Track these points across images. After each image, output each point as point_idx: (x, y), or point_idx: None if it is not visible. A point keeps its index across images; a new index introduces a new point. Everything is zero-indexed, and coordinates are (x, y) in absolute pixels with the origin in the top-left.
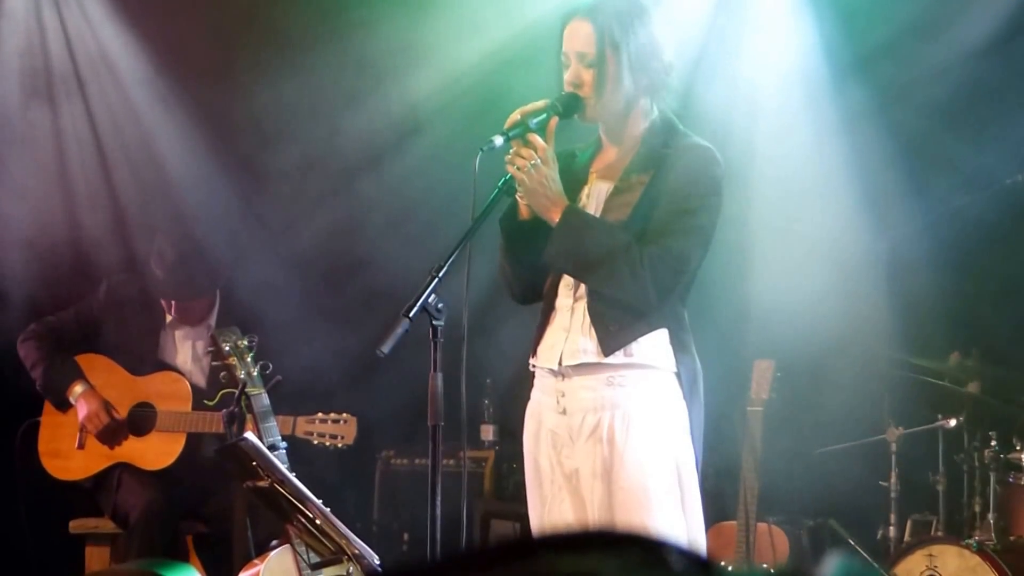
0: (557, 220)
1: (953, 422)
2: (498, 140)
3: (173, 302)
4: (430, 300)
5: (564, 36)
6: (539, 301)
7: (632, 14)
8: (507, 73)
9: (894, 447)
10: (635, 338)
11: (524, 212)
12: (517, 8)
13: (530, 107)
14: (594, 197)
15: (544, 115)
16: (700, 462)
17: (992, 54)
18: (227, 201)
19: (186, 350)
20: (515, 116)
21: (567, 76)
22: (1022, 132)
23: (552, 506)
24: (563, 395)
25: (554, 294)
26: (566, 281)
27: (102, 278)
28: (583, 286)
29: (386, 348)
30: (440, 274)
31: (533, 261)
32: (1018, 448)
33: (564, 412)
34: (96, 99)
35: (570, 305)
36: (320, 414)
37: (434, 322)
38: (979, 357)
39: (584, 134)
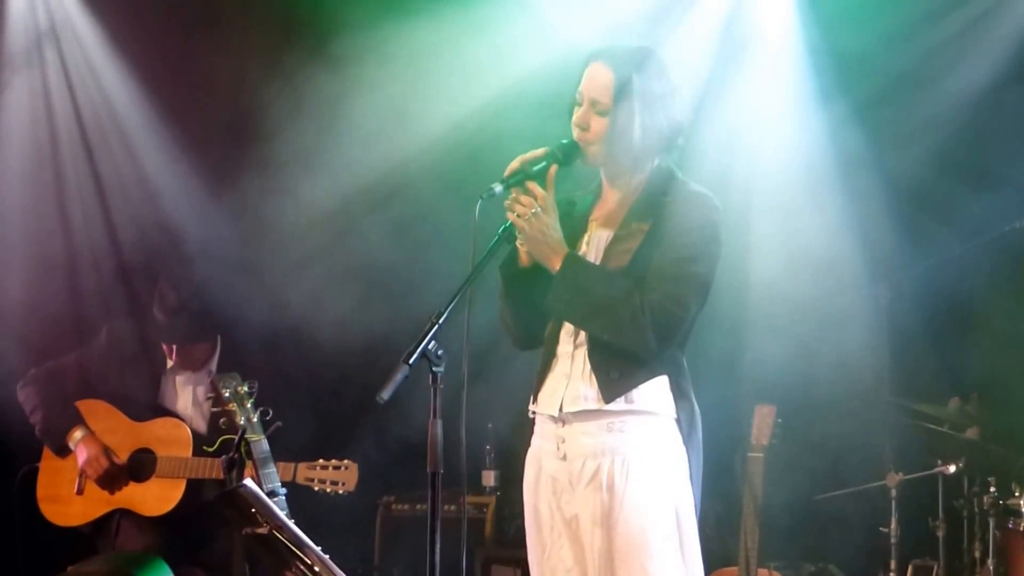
0: (558, 268)
1: (953, 468)
2: (498, 188)
3: (174, 347)
4: (430, 346)
5: (584, 76)
6: (539, 347)
7: (654, 72)
8: (507, 121)
9: (894, 493)
10: (636, 385)
11: (524, 259)
12: (515, 58)
13: (530, 155)
14: (594, 245)
15: (544, 163)
16: (699, 507)
17: (988, 102)
18: (228, 247)
19: (187, 395)
20: (515, 164)
21: (575, 117)
22: (1019, 180)
23: (551, 552)
24: (563, 441)
25: (555, 340)
26: (567, 328)
27: (103, 324)
28: (584, 332)
29: (386, 395)
30: (440, 320)
31: (533, 307)
32: (1017, 494)
33: (564, 458)
34: (98, 146)
35: (570, 352)
36: (321, 461)
37: (434, 368)
38: (978, 403)
39: (584, 181)
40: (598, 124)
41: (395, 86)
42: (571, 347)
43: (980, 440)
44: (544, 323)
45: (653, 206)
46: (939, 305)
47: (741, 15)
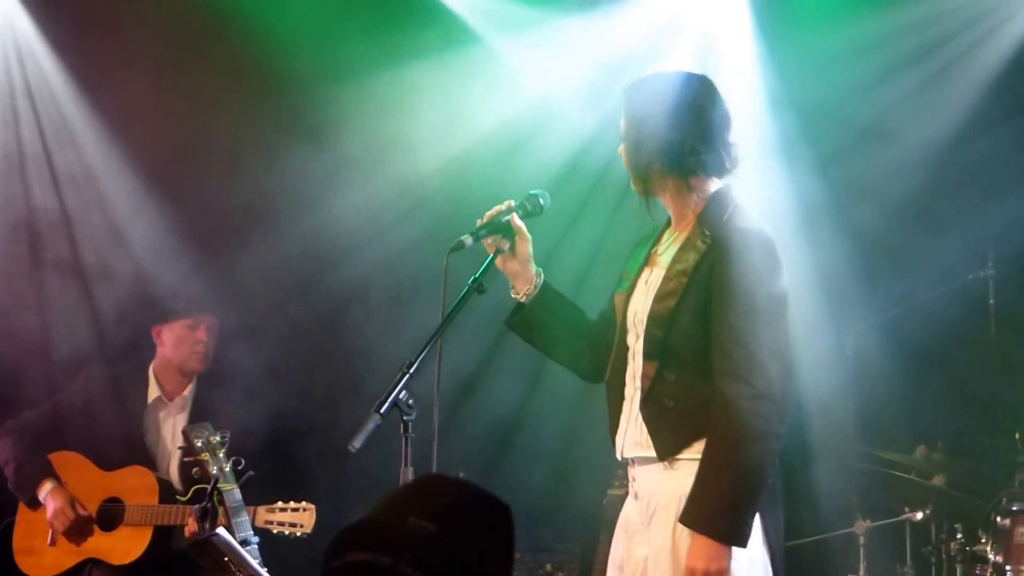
0: (722, 543)
1: (920, 515)
2: (468, 240)
3: (176, 328)
4: (401, 396)
5: None
6: (605, 374)
7: (648, 94)
8: (478, 172)
9: (862, 540)
10: (689, 442)
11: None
12: (489, 109)
13: (494, 210)
14: (651, 283)
15: (511, 214)
16: (775, 543)
17: (949, 154)
18: (203, 290)
19: (168, 428)
20: (485, 217)
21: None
22: (981, 230)
23: None
24: (634, 480)
25: (620, 382)
26: (631, 371)
27: (83, 367)
28: (643, 377)
29: (357, 443)
30: (411, 370)
31: (565, 340)
32: (984, 540)
33: (636, 497)
34: (69, 188)
35: (632, 395)
36: (280, 503)
37: (405, 417)
38: (945, 450)
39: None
40: (622, 149)
41: (369, 137)
42: (632, 390)
43: (946, 487)
44: (587, 348)
45: (695, 246)
46: (904, 354)
47: (704, 67)
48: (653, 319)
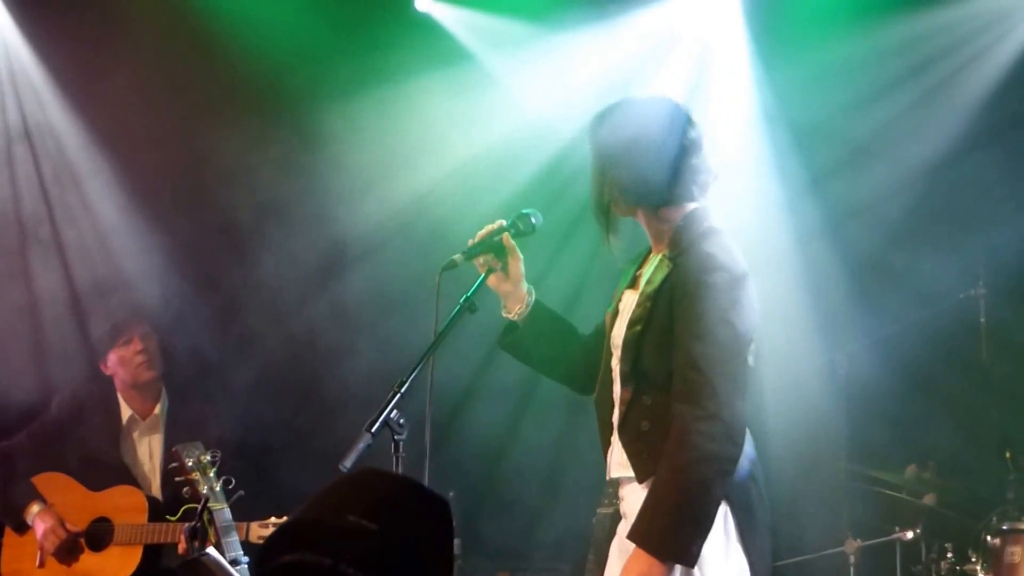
0: (660, 562)
1: (910, 534)
2: (459, 259)
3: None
4: (392, 415)
5: None
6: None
7: (609, 127)
8: (472, 189)
9: (852, 559)
10: None
11: (514, 317)
12: (481, 130)
13: (485, 230)
14: (628, 307)
15: (502, 234)
16: (759, 564)
17: (942, 173)
18: (193, 312)
19: (144, 448)
20: (476, 238)
21: None
22: (973, 248)
23: None
24: (623, 500)
25: (608, 403)
26: (616, 393)
27: (52, 397)
28: (625, 401)
29: (348, 463)
30: (402, 389)
31: (556, 356)
32: (973, 560)
33: (624, 516)
34: (64, 223)
35: (619, 419)
36: (273, 518)
37: (396, 437)
38: (935, 469)
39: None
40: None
41: (361, 155)
42: (617, 412)
43: (937, 506)
44: (581, 364)
45: (662, 269)
46: (895, 373)
47: (699, 87)
48: (626, 344)
